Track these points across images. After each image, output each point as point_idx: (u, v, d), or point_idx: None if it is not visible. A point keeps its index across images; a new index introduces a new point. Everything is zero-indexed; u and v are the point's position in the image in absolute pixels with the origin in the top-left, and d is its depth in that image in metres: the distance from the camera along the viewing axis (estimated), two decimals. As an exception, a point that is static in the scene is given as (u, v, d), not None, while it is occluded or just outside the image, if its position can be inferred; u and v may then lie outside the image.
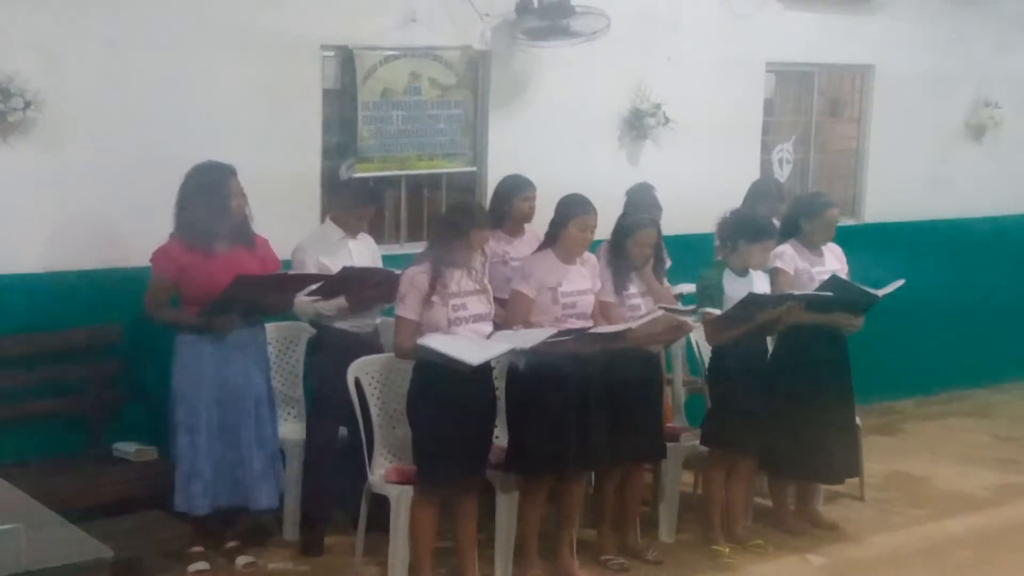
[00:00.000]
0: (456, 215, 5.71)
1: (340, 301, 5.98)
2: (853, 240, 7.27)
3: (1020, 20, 9.74)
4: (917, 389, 9.37)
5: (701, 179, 7.92)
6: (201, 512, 5.70)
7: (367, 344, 6.07)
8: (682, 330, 6.24)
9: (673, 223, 7.22)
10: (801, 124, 9.26)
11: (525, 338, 5.58)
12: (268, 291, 5.79)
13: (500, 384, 5.95)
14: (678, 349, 7.20)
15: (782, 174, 8.96)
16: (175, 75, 6.36)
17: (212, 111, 6.43)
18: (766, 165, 8.89)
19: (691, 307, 6.37)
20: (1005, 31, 9.73)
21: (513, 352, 5.60)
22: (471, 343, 5.43)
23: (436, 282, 5.44)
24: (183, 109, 6.33)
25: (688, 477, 6.98)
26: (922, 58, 9.29)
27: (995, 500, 7.49)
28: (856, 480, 7.16)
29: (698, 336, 6.74)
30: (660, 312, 6.05)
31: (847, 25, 9.02)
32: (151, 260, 5.71)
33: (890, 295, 6.55)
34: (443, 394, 5.42)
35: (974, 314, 9.31)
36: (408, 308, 5.46)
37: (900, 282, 6.54)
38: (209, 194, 5.61)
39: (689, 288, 6.87)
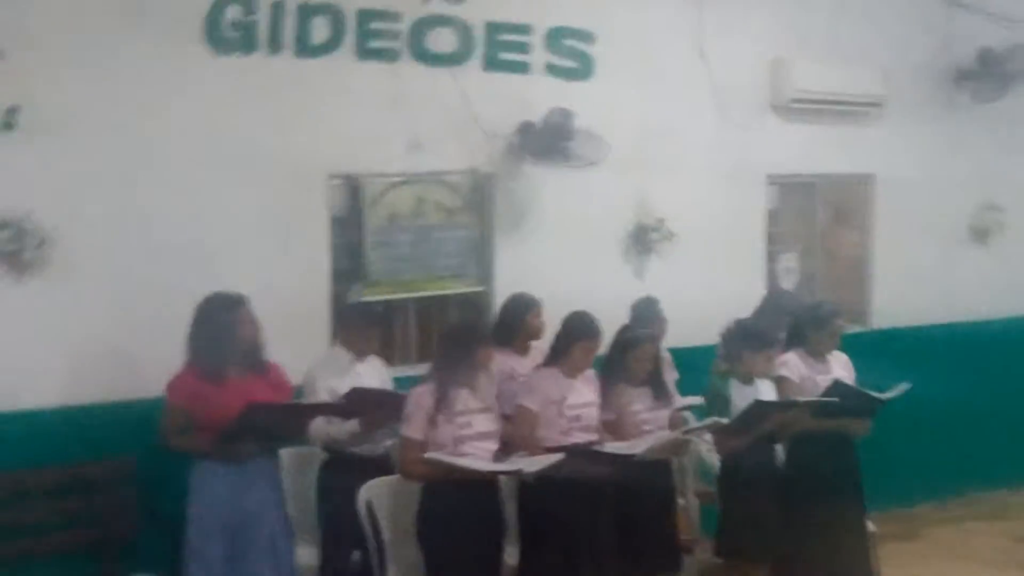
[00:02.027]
0: (460, 334, 5.83)
1: (352, 424, 6.05)
2: (862, 347, 7.32)
3: (1019, 122, 9.89)
4: (934, 494, 9.29)
5: (707, 291, 8.00)
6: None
7: (379, 466, 6.11)
8: (685, 446, 6.29)
9: (680, 335, 7.33)
10: (806, 233, 9.37)
11: (533, 463, 5.64)
12: (281, 419, 5.87)
13: (511, 502, 5.98)
14: (689, 459, 7.21)
15: (788, 283, 9.04)
16: (186, 206, 6.55)
17: (223, 240, 6.60)
18: (772, 275, 8.98)
19: (709, 421, 6.40)
20: (1004, 134, 9.85)
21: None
22: (479, 461, 5.51)
23: (441, 401, 5.52)
24: (194, 239, 6.51)
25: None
26: (923, 164, 9.43)
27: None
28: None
29: (709, 446, 6.77)
30: (666, 434, 6.13)
31: (846, 135, 9.17)
32: (166, 389, 5.79)
33: (904, 402, 6.54)
34: (451, 513, 5.46)
35: (987, 417, 9.27)
36: (414, 428, 5.54)
37: (906, 385, 6.56)
38: (219, 324, 5.72)
39: (697, 400, 6.92)
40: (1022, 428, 9.59)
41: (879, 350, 8.20)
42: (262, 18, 6.80)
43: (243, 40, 6.75)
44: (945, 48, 9.57)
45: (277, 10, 6.84)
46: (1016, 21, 9.56)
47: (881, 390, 6.58)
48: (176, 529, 5.79)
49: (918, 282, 9.40)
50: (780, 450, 6.70)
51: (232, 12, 6.71)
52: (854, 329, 8.56)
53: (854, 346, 7.05)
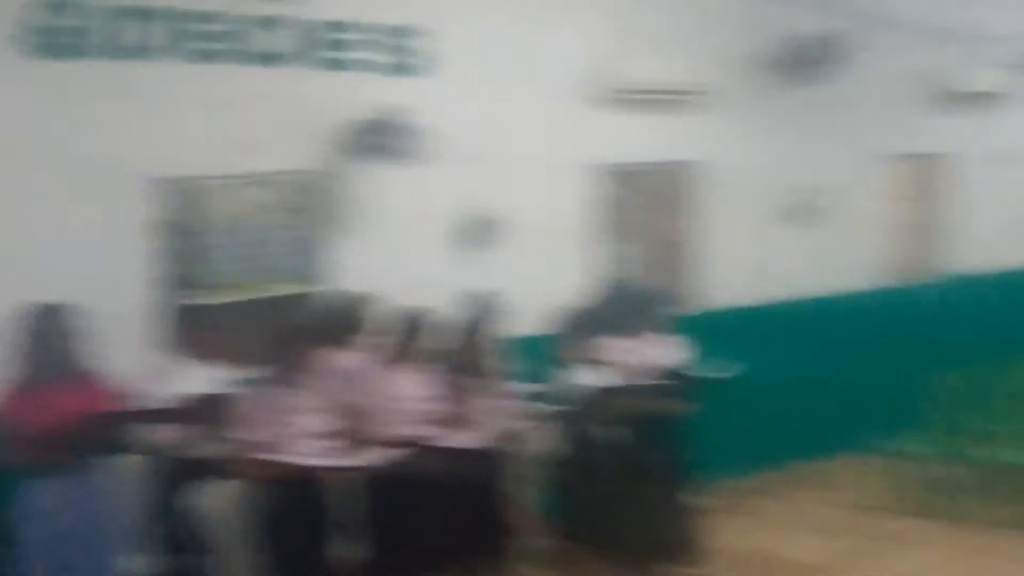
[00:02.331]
0: (289, 334, 5.90)
1: (183, 429, 6.06)
2: (693, 328, 7.54)
3: (833, 104, 10.32)
4: (760, 466, 9.40)
5: (543, 281, 8.18)
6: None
7: (211, 469, 6.13)
8: (520, 434, 6.46)
9: (518, 325, 7.46)
10: (637, 221, 9.61)
11: (368, 459, 5.74)
12: (110, 428, 5.84)
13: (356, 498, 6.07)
14: (523, 446, 7.37)
15: (624, 270, 9.25)
16: (12, 216, 6.45)
17: (49, 250, 6.53)
18: (607, 263, 9.18)
19: (545, 408, 6.58)
20: (820, 116, 10.31)
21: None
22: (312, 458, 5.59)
23: (272, 402, 5.58)
24: (20, 250, 6.42)
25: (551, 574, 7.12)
26: (745, 149, 9.80)
27: (837, 567, 7.71)
28: (706, 561, 7.35)
29: (544, 432, 6.95)
30: (502, 422, 6.28)
31: (673, 124, 9.43)
32: (-15, 405, 5.74)
33: (729, 378, 6.81)
34: (284, 512, 5.55)
35: (811, 389, 9.47)
36: (245, 429, 5.58)
37: (728, 367, 6.83)
38: (38, 334, 5.70)
39: (535, 388, 7.09)
40: (844, 399, 9.94)
41: (708, 330, 8.41)
42: (83, 22, 6.71)
43: (63, 45, 6.66)
44: (763, 36, 9.93)
45: (98, 13, 6.76)
46: (827, 9, 9.96)
47: (710, 369, 6.85)
48: (3, 546, 5.72)
49: (743, 263, 9.74)
50: (617, 433, 6.92)
51: (48, 16, 6.61)
52: (684, 311, 8.82)
53: (685, 328, 7.29)
